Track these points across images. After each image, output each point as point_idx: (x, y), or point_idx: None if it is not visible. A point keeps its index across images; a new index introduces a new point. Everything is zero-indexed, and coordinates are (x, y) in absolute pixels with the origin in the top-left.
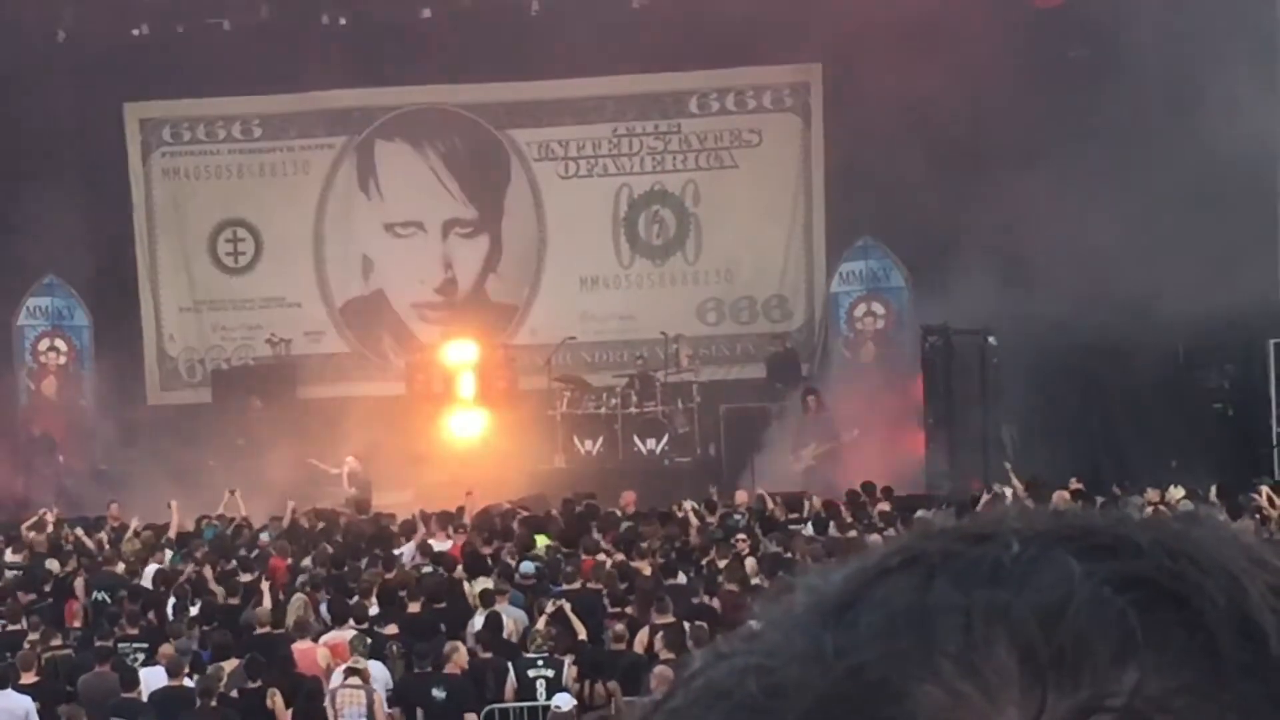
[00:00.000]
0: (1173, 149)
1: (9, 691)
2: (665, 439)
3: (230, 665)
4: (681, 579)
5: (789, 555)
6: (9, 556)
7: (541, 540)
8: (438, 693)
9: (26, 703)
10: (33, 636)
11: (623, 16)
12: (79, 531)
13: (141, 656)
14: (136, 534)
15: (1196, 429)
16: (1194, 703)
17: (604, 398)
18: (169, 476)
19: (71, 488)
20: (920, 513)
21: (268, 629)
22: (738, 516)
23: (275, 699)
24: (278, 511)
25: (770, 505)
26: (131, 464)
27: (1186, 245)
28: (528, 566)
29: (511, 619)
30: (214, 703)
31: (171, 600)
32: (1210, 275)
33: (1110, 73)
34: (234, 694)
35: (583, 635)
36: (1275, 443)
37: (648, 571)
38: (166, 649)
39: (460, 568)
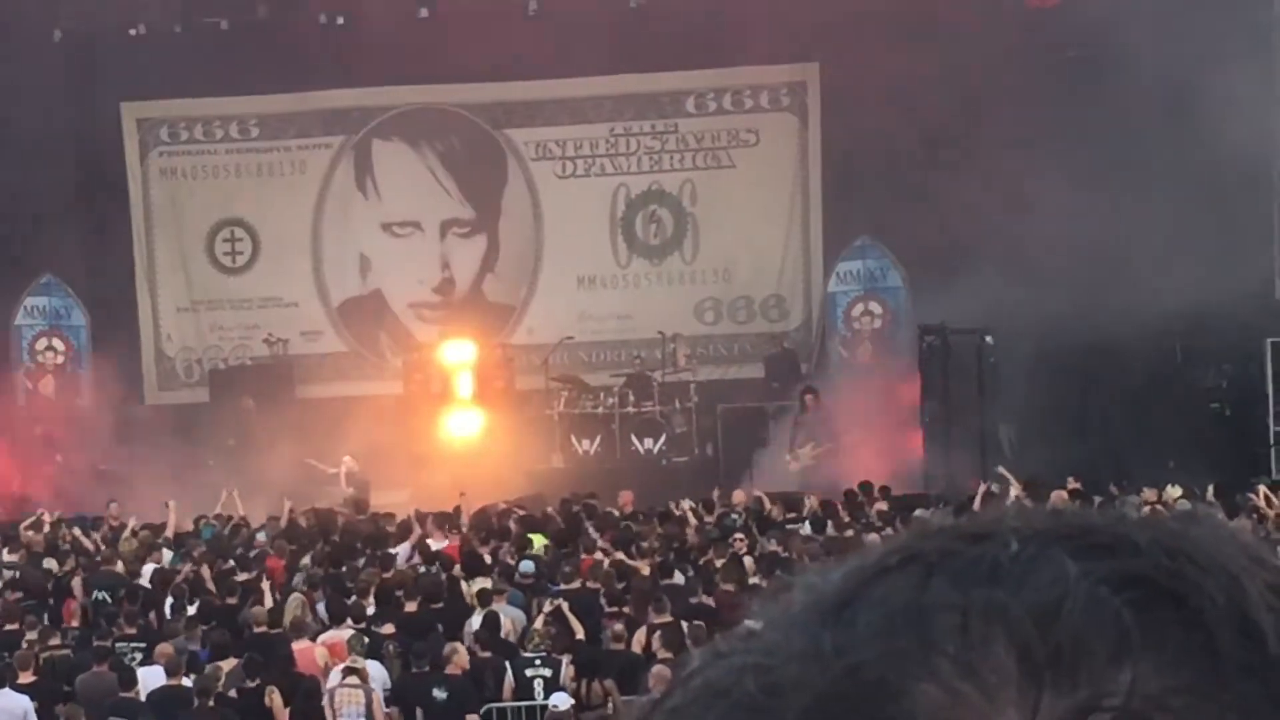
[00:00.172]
0: (1170, 148)
1: (7, 691)
2: (663, 439)
3: (228, 665)
4: (679, 579)
5: (786, 555)
6: (5, 556)
7: (538, 540)
8: (439, 693)
9: (24, 702)
10: (30, 636)
11: (620, 16)
12: (76, 531)
13: (139, 656)
14: (134, 533)
15: (1194, 428)
16: (1193, 702)
17: (601, 397)
18: (167, 476)
19: (69, 487)
20: (918, 512)
21: (264, 628)
22: (735, 516)
23: (274, 697)
24: (276, 511)
25: (768, 505)
26: (129, 463)
27: (1184, 244)
28: (527, 566)
29: (509, 618)
30: (212, 702)
31: (169, 600)
32: (1207, 274)
33: (1106, 72)
34: (232, 693)
35: (580, 635)
36: (1273, 442)
37: (646, 571)
38: (164, 648)
39: (458, 567)
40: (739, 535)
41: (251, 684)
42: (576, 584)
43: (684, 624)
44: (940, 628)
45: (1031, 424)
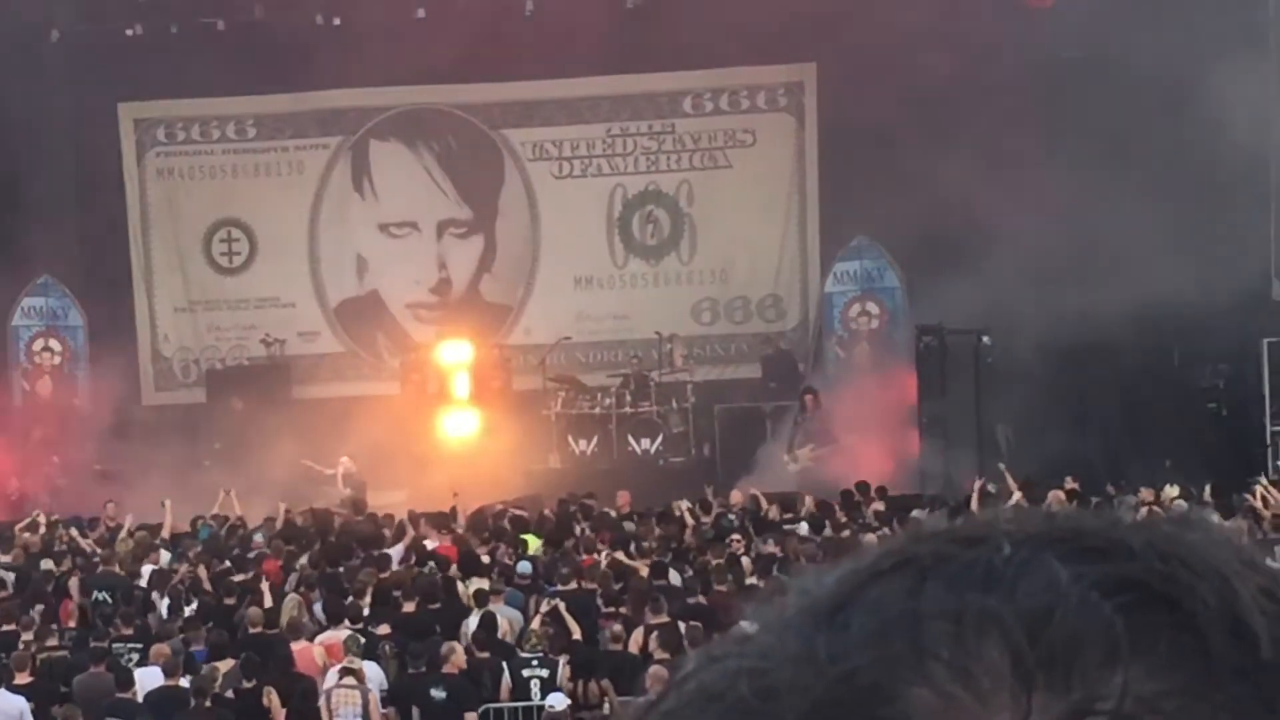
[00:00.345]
0: (1166, 149)
1: (3, 691)
2: (660, 439)
3: (225, 665)
4: (675, 579)
5: (783, 555)
6: (1, 558)
7: (534, 541)
8: (437, 693)
9: (21, 703)
10: (27, 636)
11: (617, 17)
12: (73, 531)
13: (136, 657)
14: (130, 534)
15: (1191, 428)
16: (1185, 704)
17: (598, 398)
18: (164, 476)
19: (66, 488)
20: (914, 512)
21: (261, 629)
22: (732, 517)
23: (271, 698)
24: (273, 512)
25: (764, 505)
26: (126, 464)
27: (1180, 245)
28: (524, 566)
29: (506, 619)
30: (209, 703)
31: (165, 601)
32: (1204, 275)
33: (1103, 73)
34: (229, 694)
35: (577, 635)
36: (1269, 442)
37: (644, 572)
38: (161, 649)
39: (455, 568)
40: (735, 536)
41: (248, 684)
42: (573, 584)
43: (681, 625)
44: (934, 632)
45: (1029, 424)
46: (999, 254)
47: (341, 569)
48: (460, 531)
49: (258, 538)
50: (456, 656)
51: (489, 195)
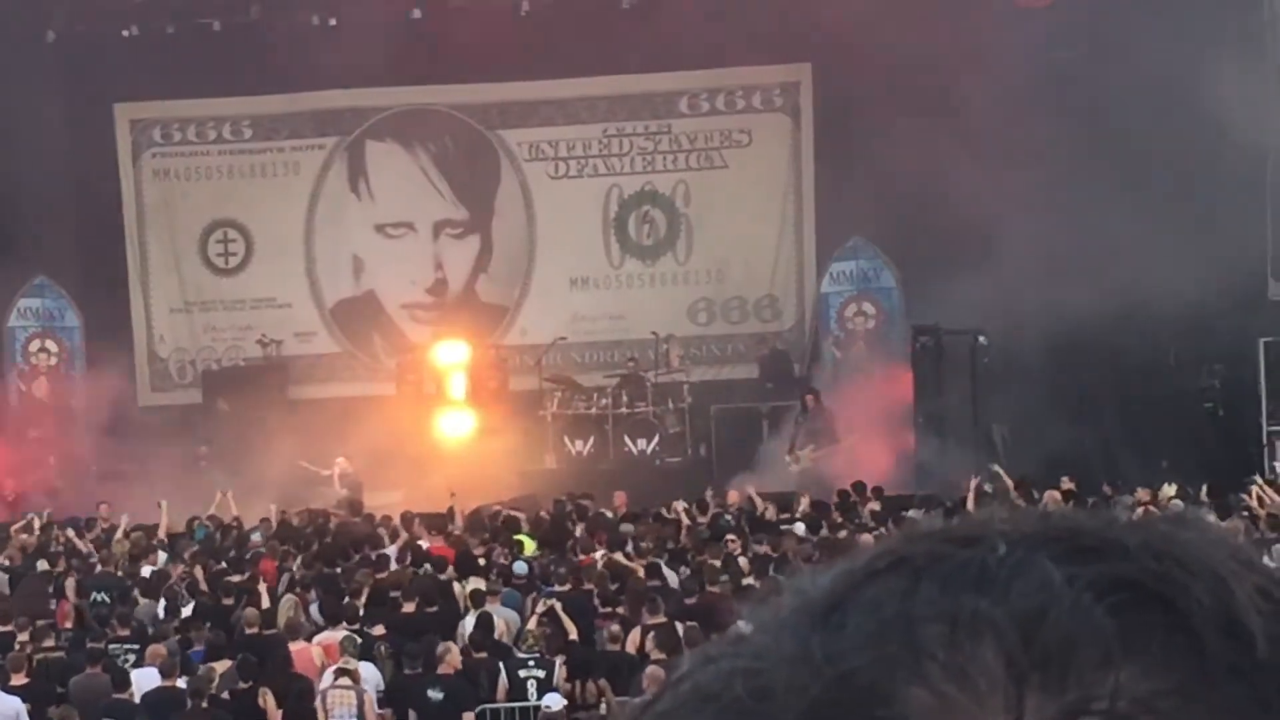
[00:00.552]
0: (1162, 149)
1: None
2: (656, 439)
3: (222, 666)
4: (671, 579)
5: (780, 555)
6: None
7: (530, 543)
8: (434, 694)
9: (16, 704)
10: (23, 637)
11: (613, 17)
12: (70, 532)
13: (132, 658)
14: (126, 534)
15: (1187, 428)
16: (1180, 704)
17: (595, 398)
18: (160, 477)
19: (62, 489)
20: (910, 512)
21: (258, 630)
22: (729, 517)
23: (267, 698)
24: (268, 513)
25: (760, 506)
26: (123, 465)
27: (1176, 244)
28: (520, 567)
29: (503, 619)
30: (205, 704)
31: (161, 602)
32: (1200, 274)
33: (1098, 73)
34: (225, 695)
35: (574, 635)
36: (1265, 442)
37: (640, 572)
38: (157, 650)
39: (451, 568)
40: (731, 536)
41: (244, 685)
42: (569, 585)
43: (678, 625)
44: (929, 633)
45: (1025, 424)
46: (995, 254)
47: (339, 569)
48: (456, 532)
49: (255, 538)
50: (452, 657)
51: (485, 196)
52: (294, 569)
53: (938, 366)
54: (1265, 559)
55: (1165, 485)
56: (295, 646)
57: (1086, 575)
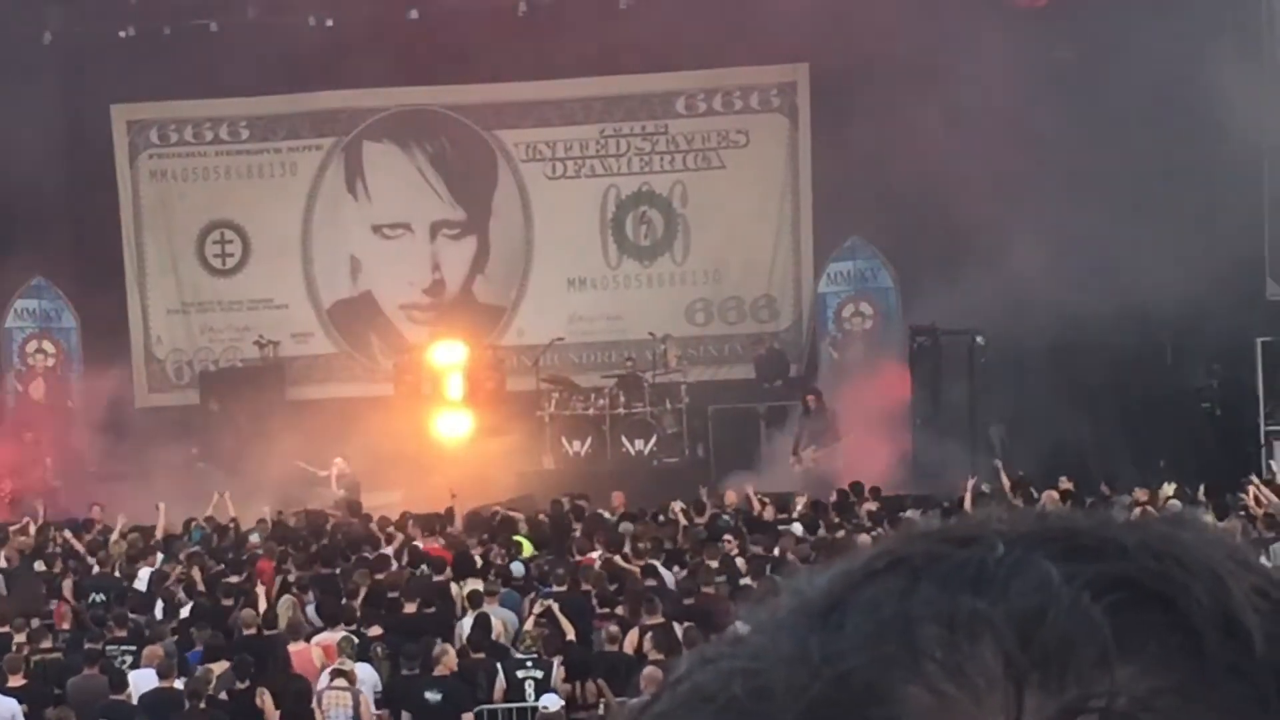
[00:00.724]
0: (1159, 149)
1: None
2: (653, 440)
3: (219, 667)
4: (668, 580)
5: (777, 555)
6: None
7: (528, 545)
8: (431, 695)
9: (13, 705)
10: (20, 639)
11: (610, 17)
12: (67, 534)
13: (130, 659)
14: (124, 535)
15: (1184, 428)
16: (1179, 703)
17: (592, 398)
18: (158, 478)
19: (60, 490)
20: (908, 512)
21: (255, 630)
22: (727, 517)
23: (264, 699)
24: (265, 514)
25: (757, 506)
26: (120, 466)
27: (1174, 244)
28: (517, 568)
29: (500, 620)
30: (203, 704)
31: (159, 603)
32: (1198, 274)
33: (1095, 72)
34: (223, 696)
35: (571, 636)
36: (1263, 442)
37: (639, 573)
38: (155, 651)
39: (449, 569)
40: (728, 537)
41: (242, 686)
42: (565, 586)
43: (676, 625)
44: (927, 633)
45: (1022, 424)
46: (992, 254)
47: (338, 570)
48: (453, 533)
49: (253, 539)
50: (449, 658)
51: (482, 196)
52: (291, 570)
53: (935, 367)
54: (1262, 559)
55: (1165, 484)
56: (296, 647)
57: (1085, 574)
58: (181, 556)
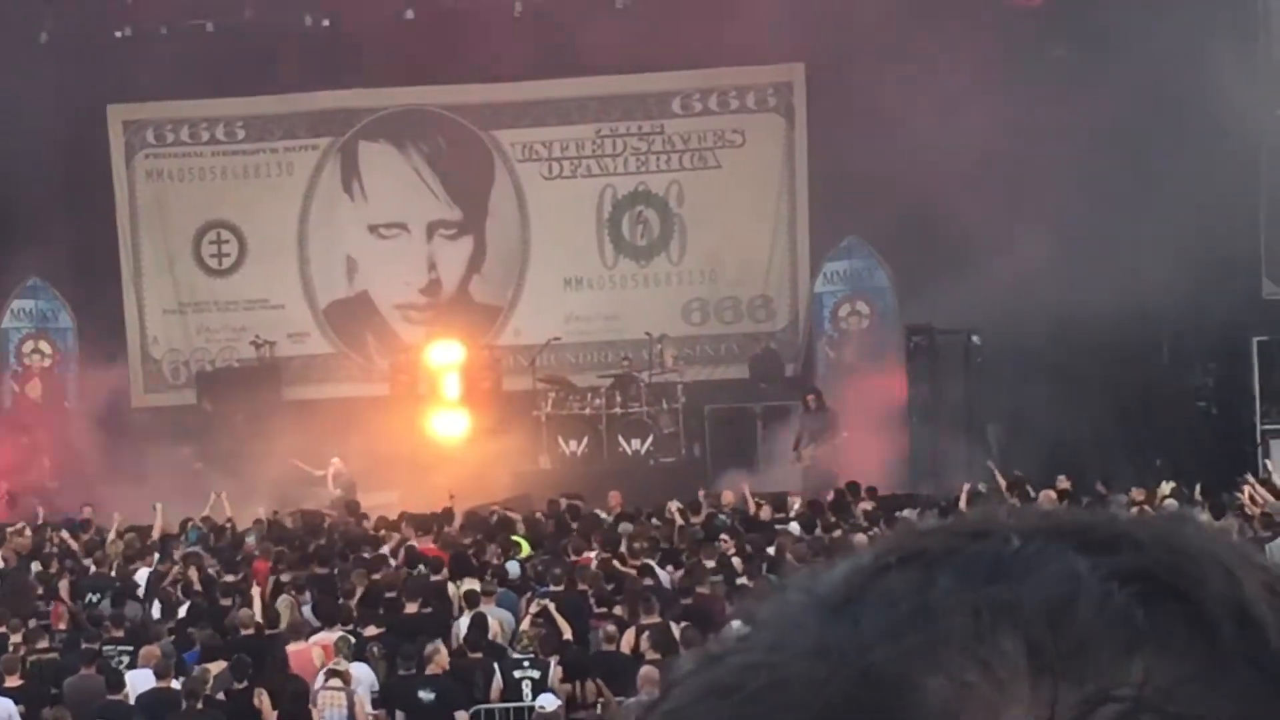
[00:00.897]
0: (1155, 147)
1: None
2: (650, 439)
3: (216, 667)
4: (664, 580)
5: (774, 555)
6: None
7: (525, 545)
8: (425, 694)
9: (9, 706)
10: (16, 639)
11: (606, 17)
12: (64, 534)
13: (126, 659)
14: (120, 535)
15: (1181, 427)
16: (1200, 692)
17: (588, 398)
18: (154, 478)
19: (56, 490)
20: (905, 512)
21: (252, 630)
22: (723, 517)
23: (262, 699)
24: (263, 514)
25: (753, 506)
26: (116, 466)
27: (1170, 244)
28: (512, 567)
29: (497, 620)
30: (200, 704)
31: (156, 603)
32: (1194, 273)
33: (1091, 71)
34: (220, 696)
35: (568, 635)
36: (1259, 440)
37: (635, 574)
38: (151, 651)
39: (445, 569)
40: (724, 536)
41: (239, 686)
42: (562, 586)
43: (672, 625)
44: (949, 623)
45: (1018, 424)
46: (988, 253)
47: (335, 570)
48: (449, 533)
49: (249, 540)
50: (440, 657)
51: (479, 196)
52: (286, 570)
53: (931, 366)
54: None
55: (1163, 483)
56: (296, 646)
57: (1105, 567)
58: (177, 556)
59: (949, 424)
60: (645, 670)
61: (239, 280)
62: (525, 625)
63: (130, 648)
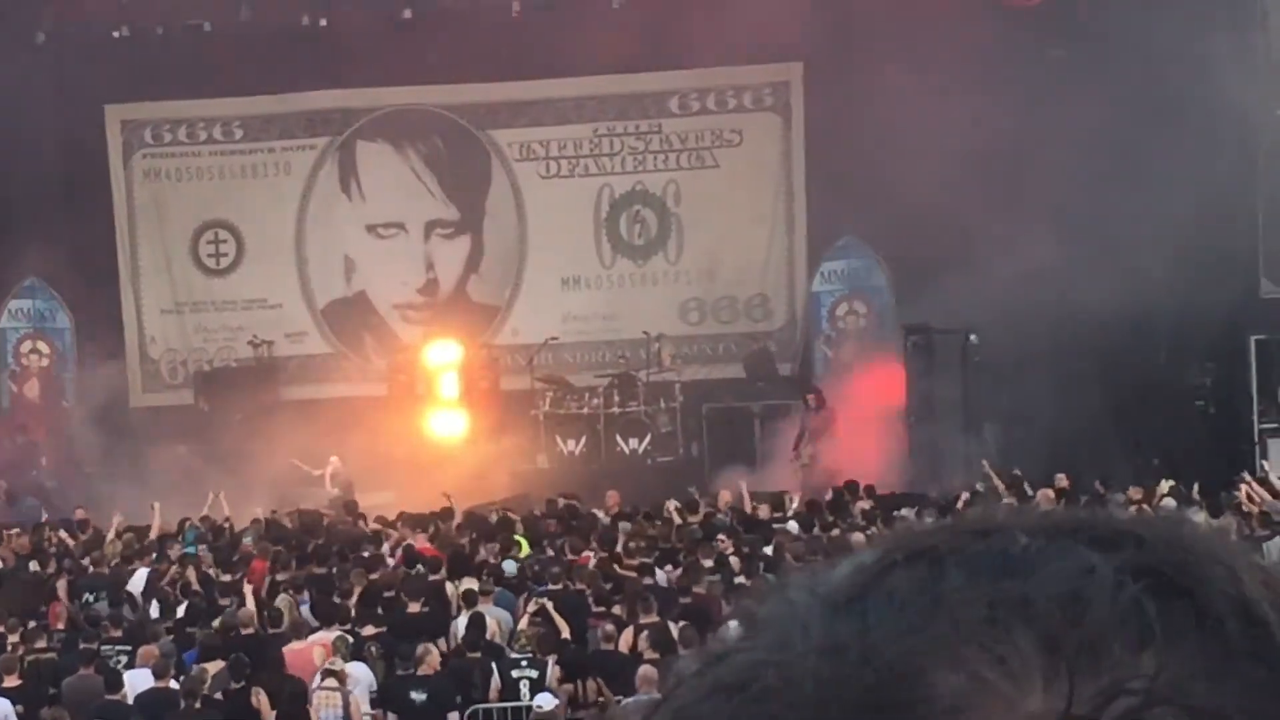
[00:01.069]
0: (1153, 147)
1: None
2: (648, 439)
3: (214, 667)
4: (661, 579)
5: (772, 554)
6: None
7: (525, 544)
8: (417, 695)
9: (7, 706)
10: (14, 639)
11: (603, 16)
12: (62, 533)
13: (125, 659)
14: (119, 535)
15: (1178, 427)
16: (1210, 686)
17: (586, 398)
18: (152, 478)
19: (54, 490)
20: (902, 511)
21: (251, 630)
22: (721, 516)
23: (260, 699)
24: (263, 514)
25: (750, 505)
26: (114, 466)
27: (1168, 243)
28: (509, 566)
29: (495, 619)
30: (198, 704)
31: (154, 603)
32: (1192, 273)
33: (1088, 71)
34: (218, 696)
35: (566, 634)
36: (1256, 439)
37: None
38: (150, 650)
39: (444, 569)
40: (722, 536)
41: (237, 686)
42: (560, 585)
43: (671, 624)
44: (962, 618)
45: (1016, 423)
46: (986, 253)
47: (334, 570)
48: (445, 533)
49: (246, 541)
50: (431, 658)
51: (476, 196)
52: (283, 569)
53: (929, 365)
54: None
55: (1162, 482)
56: (297, 646)
57: (1115, 562)
58: (174, 556)
59: (947, 423)
60: (644, 670)
61: (237, 280)
62: (523, 624)
63: (128, 648)
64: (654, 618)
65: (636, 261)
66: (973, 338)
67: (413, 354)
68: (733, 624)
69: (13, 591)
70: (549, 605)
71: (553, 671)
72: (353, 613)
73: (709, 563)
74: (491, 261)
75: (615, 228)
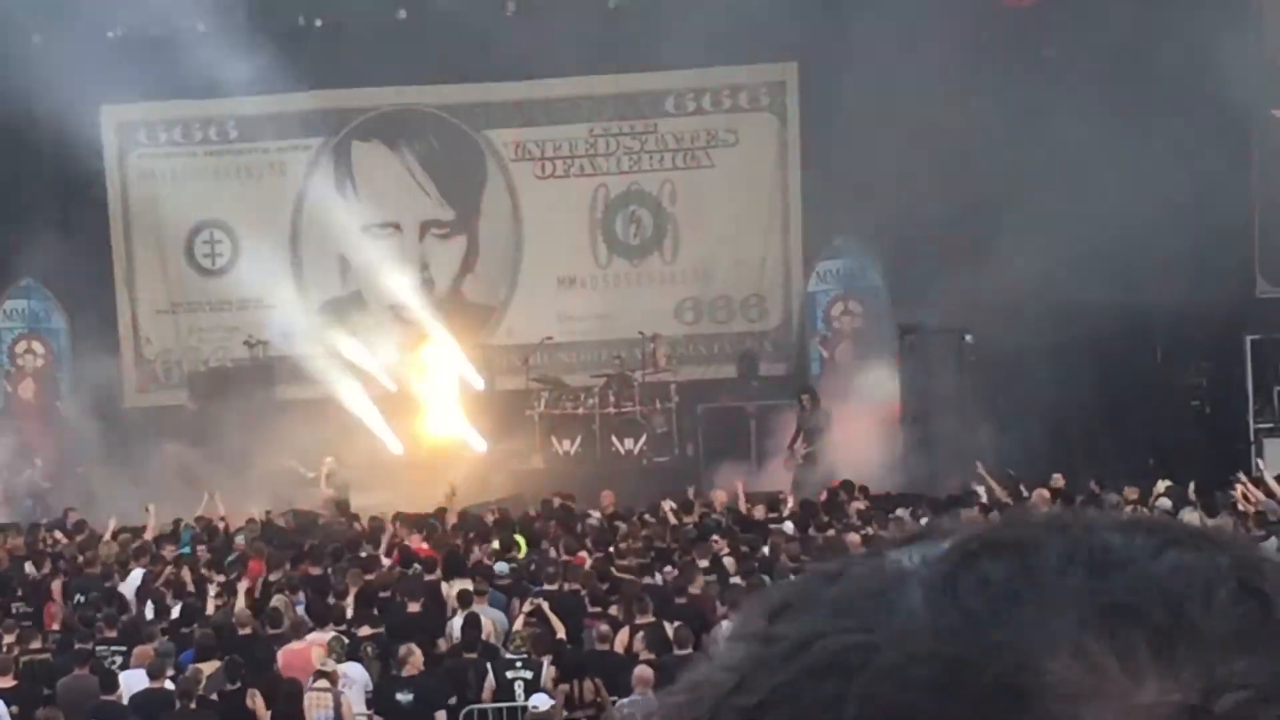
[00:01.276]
0: (1149, 146)
1: None
2: (643, 439)
3: (209, 667)
4: (659, 579)
5: (767, 554)
6: None
7: (523, 544)
8: (402, 696)
9: (1, 708)
10: (9, 639)
11: (599, 16)
12: (57, 534)
13: (120, 659)
14: (114, 536)
15: (1174, 426)
16: None
17: (582, 398)
18: (147, 478)
19: (49, 491)
20: (898, 511)
21: (248, 630)
22: (716, 516)
23: (255, 699)
24: (258, 514)
25: (746, 505)
26: (109, 466)
27: (1163, 243)
28: (502, 567)
29: (489, 620)
30: (194, 705)
31: (149, 603)
32: (1187, 272)
33: (1084, 71)
34: (214, 696)
35: (561, 634)
36: (1252, 439)
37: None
38: (145, 651)
39: (439, 569)
40: (716, 536)
41: (233, 687)
42: (556, 585)
43: (666, 624)
44: (1075, 609)
45: (1011, 423)
46: (981, 253)
47: (329, 570)
48: (440, 532)
49: (238, 540)
50: (415, 659)
51: (471, 196)
52: (279, 570)
53: (924, 365)
54: None
55: (1159, 482)
56: (296, 646)
57: (1203, 563)
58: (169, 557)
59: (941, 423)
60: (639, 670)
61: (232, 280)
62: (518, 625)
63: (124, 648)
64: (650, 618)
65: (632, 261)
66: (968, 337)
67: (408, 354)
68: (734, 618)
69: (9, 591)
70: (544, 605)
71: (548, 672)
72: (348, 613)
73: (704, 563)
74: (486, 261)
75: (611, 228)
